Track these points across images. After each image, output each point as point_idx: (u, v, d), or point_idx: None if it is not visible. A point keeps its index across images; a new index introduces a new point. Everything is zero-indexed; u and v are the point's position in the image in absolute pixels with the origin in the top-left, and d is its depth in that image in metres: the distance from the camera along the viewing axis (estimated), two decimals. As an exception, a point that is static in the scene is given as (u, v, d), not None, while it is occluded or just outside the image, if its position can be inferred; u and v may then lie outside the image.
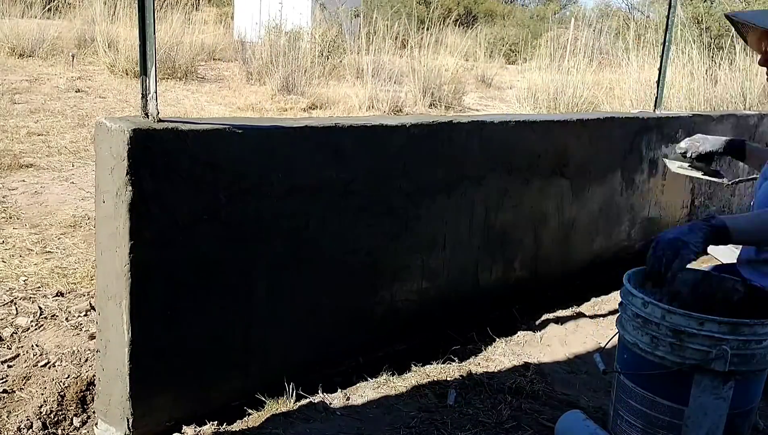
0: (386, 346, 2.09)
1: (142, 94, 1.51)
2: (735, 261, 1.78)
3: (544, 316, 2.51)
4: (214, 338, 1.66)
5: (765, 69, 1.67)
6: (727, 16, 1.73)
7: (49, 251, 2.82)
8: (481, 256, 2.36)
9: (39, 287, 2.46)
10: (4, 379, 1.81)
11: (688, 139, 2.10)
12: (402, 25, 8.68)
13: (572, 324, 2.49)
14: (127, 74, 7.75)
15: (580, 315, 2.58)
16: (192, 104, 6.97)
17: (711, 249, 3.28)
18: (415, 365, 2.01)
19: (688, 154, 2.07)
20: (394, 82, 8.33)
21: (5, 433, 1.64)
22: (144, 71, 1.50)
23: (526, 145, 2.43)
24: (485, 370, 2.03)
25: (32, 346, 2.00)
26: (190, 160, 1.53)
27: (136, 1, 1.47)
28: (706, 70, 7.29)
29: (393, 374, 1.95)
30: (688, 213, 3.52)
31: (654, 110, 3.30)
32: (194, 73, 8.63)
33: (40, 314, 2.23)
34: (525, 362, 2.10)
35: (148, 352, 1.53)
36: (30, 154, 4.41)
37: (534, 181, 2.50)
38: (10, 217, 3.15)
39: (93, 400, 1.80)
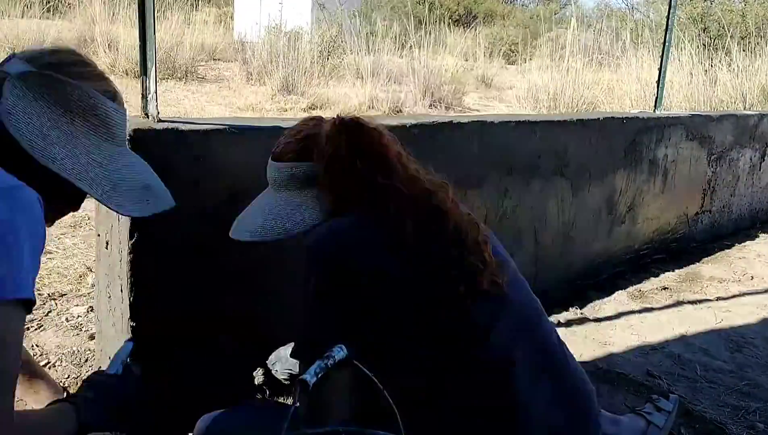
0: (386, 347, 2.09)
1: (142, 94, 1.51)
2: None
3: (545, 317, 2.51)
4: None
5: None
6: None
7: (49, 251, 2.82)
8: (481, 256, 2.36)
9: (39, 287, 2.45)
10: (4, 380, 1.81)
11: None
12: (402, 25, 8.69)
13: (573, 324, 2.49)
14: (127, 74, 7.74)
15: (581, 315, 2.59)
16: (192, 104, 6.98)
17: None
18: (416, 365, 2.00)
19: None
20: (394, 82, 8.34)
21: (5, 433, 1.64)
22: (144, 72, 1.50)
23: (526, 145, 2.43)
24: (485, 371, 2.02)
25: (32, 346, 2.00)
26: (190, 160, 1.53)
27: (136, 2, 1.47)
28: (706, 71, 7.30)
29: (393, 374, 1.95)
30: (697, 211, 3.53)
31: (654, 110, 3.30)
32: (194, 74, 8.64)
33: (40, 314, 2.23)
34: (525, 362, 2.10)
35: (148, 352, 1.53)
36: (30, 155, 4.40)
37: (534, 182, 2.50)
38: (10, 218, 3.15)
39: (93, 400, 1.80)
